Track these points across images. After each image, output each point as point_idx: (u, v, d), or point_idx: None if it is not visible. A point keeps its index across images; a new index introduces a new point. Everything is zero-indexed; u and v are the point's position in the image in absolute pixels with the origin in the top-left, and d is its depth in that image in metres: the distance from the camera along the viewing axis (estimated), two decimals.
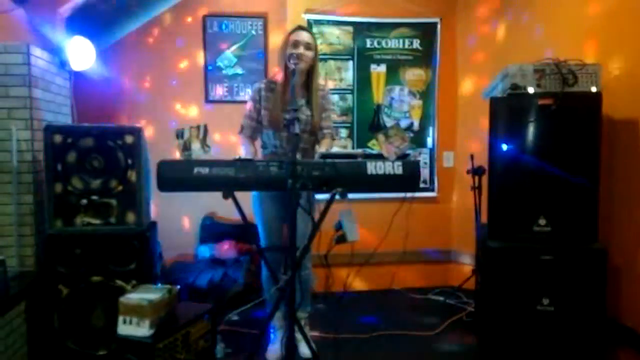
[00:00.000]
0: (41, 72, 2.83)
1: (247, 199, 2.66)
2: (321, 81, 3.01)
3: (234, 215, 2.99)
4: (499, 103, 2.66)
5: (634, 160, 2.57)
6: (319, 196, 2.61)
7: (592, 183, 2.50)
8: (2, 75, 2.67)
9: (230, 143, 4.01)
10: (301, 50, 2.63)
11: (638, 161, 2.54)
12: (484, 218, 3.04)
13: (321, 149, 2.68)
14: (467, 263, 4.03)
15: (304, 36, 2.68)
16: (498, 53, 3.78)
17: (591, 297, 2.47)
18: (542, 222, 2.56)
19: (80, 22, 3.24)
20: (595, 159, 2.51)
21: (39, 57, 2.80)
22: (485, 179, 3.14)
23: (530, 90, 2.55)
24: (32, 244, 2.70)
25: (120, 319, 2.05)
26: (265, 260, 2.44)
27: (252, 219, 2.73)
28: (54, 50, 3.01)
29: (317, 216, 2.30)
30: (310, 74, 2.73)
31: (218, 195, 2.10)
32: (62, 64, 3.09)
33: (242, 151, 2.76)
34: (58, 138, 2.58)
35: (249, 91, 4.16)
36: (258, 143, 2.87)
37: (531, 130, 2.58)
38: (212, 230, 4.04)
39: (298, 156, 2.30)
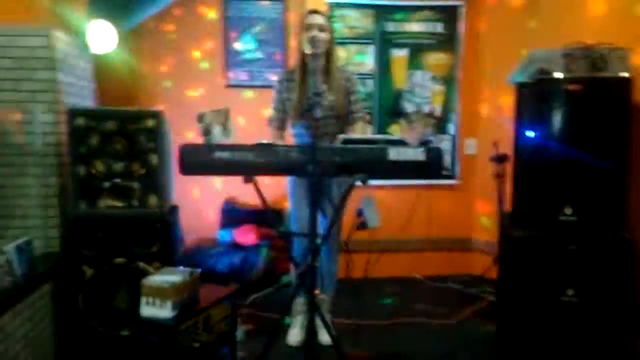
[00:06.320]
0: (64, 55, 2.84)
1: (268, 184, 2.65)
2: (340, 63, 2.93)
3: (254, 200, 2.99)
4: (525, 89, 2.60)
5: None
6: None
7: (620, 170, 2.43)
8: (26, 58, 2.69)
9: (251, 128, 4.00)
10: (314, 32, 2.58)
11: None
12: (506, 206, 2.99)
13: (355, 133, 2.64)
14: (488, 251, 3.98)
15: (317, 18, 2.62)
16: (523, 37, 3.68)
17: (619, 287, 2.42)
18: (568, 211, 2.50)
19: (102, 5, 3.24)
20: (623, 146, 2.44)
21: (62, 39, 2.81)
22: (508, 166, 3.08)
23: (558, 75, 2.48)
24: (57, 225, 2.74)
25: (143, 300, 2.07)
26: (290, 245, 2.44)
27: (273, 205, 2.72)
28: (76, 33, 3.02)
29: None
30: (328, 57, 2.69)
31: (238, 180, 2.09)
32: (84, 47, 3.10)
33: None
34: (81, 121, 2.60)
35: (269, 76, 4.14)
36: (289, 132, 2.85)
37: (558, 116, 2.52)
38: (232, 215, 4.05)
39: (326, 142, 2.26)
